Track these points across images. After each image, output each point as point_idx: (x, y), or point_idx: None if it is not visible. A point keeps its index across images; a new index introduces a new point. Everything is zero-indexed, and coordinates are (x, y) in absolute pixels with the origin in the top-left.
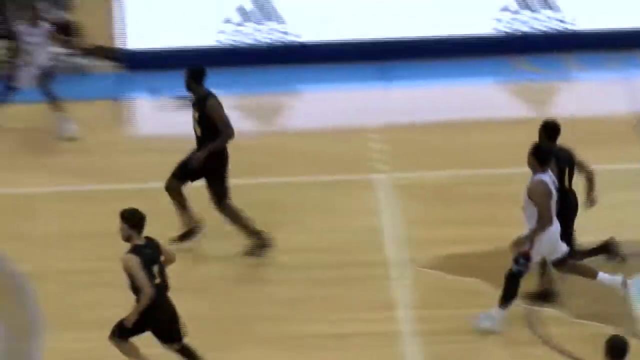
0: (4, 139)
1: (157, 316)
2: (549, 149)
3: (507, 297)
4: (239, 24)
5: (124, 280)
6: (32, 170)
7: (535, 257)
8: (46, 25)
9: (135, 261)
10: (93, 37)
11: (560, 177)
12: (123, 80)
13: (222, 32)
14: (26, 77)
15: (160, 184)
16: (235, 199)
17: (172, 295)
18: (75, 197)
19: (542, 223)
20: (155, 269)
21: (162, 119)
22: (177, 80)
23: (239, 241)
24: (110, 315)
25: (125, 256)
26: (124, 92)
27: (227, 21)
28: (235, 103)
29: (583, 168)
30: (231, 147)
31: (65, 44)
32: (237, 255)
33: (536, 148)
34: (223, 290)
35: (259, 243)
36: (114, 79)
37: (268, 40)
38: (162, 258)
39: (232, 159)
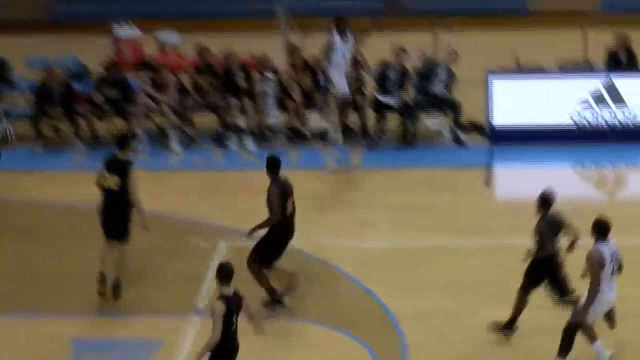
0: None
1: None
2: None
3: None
4: (590, 106)
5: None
6: (414, 227)
7: (591, 319)
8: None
9: (220, 309)
10: (468, 114)
11: None
12: (490, 152)
13: (575, 112)
14: None
15: (518, 241)
16: None
17: None
18: (449, 250)
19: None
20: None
21: (521, 185)
22: (535, 153)
23: None
24: None
25: (214, 303)
26: (491, 162)
27: (581, 102)
28: (581, 174)
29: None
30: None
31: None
32: None
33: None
34: None
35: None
36: (483, 151)
37: (615, 121)
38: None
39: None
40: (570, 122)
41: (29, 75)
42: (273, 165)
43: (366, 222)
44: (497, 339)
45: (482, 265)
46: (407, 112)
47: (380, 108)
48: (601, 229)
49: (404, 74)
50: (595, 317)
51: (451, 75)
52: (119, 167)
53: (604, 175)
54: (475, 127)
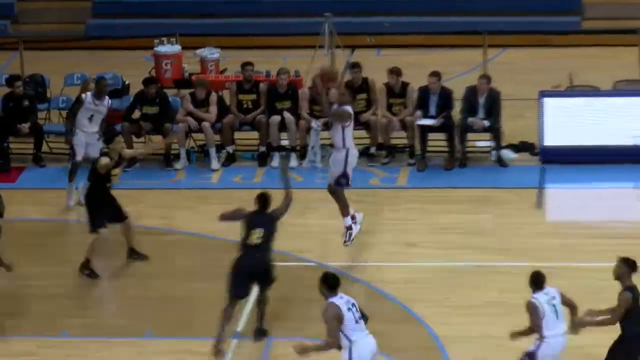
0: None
1: None
2: None
3: None
4: None
5: None
6: (460, 248)
7: None
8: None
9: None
10: (519, 133)
11: None
12: (541, 172)
13: (629, 131)
14: None
15: (567, 263)
16: None
17: None
18: (497, 271)
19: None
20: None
21: (572, 206)
22: (587, 173)
23: None
24: None
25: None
26: (542, 182)
27: (636, 121)
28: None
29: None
30: None
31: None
32: None
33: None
34: None
35: None
36: (534, 171)
37: None
38: None
39: None
40: (624, 141)
41: (66, 92)
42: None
43: (412, 243)
44: None
45: None
46: (453, 132)
47: (424, 128)
48: (329, 284)
49: (447, 94)
50: None
51: (495, 95)
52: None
53: None
54: (526, 147)
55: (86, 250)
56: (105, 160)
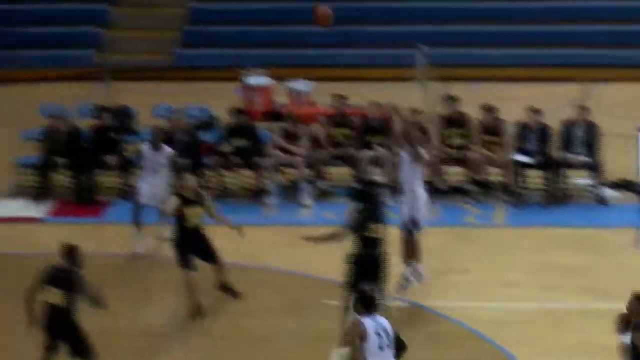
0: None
1: None
2: None
3: None
4: None
5: None
6: (559, 288)
7: None
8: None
9: (356, 328)
10: (618, 170)
11: None
12: None
13: None
14: None
15: None
16: None
17: None
18: (597, 313)
19: None
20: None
21: None
22: None
23: None
24: None
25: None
26: None
27: None
28: None
29: None
30: None
31: None
32: None
33: None
34: None
35: None
36: (633, 209)
37: None
38: None
39: None
40: None
41: (153, 123)
42: None
43: (508, 283)
44: None
45: None
46: (551, 169)
47: (521, 165)
48: (364, 302)
49: (545, 130)
50: None
51: (594, 130)
52: None
53: None
54: (625, 185)
55: (188, 297)
56: (170, 205)
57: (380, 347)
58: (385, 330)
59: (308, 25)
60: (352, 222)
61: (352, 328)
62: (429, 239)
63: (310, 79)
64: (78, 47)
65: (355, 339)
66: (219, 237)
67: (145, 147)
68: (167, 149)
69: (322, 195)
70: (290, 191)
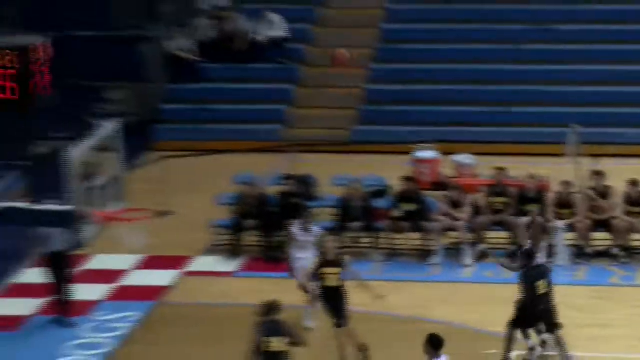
0: None
1: None
2: None
3: None
4: None
5: None
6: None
7: None
8: None
9: None
10: None
11: None
12: None
13: None
14: None
15: None
16: None
17: None
18: None
19: None
20: None
21: None
22: None
23: None
24: None
25: None
26: None
27: None
28: None
29: None
30: None
31: None
32: None
33: None
34: None
35: None
36: None
37: None
38: None
39: None
40: None
41: (333, 191)
42: None
43: None
44: None
45: None
46: None
47: None
48: (434, 344)
49: None
50: None
51: None
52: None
53: None
54: None
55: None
56: (312, 265)
57: None
58: None
59: (472, 106)
60: (521, 280)
61: None
62: (576, 297)
63: (473, 153)
64: (266, 123)
65: None
66: (390, 290)
67: (295, 228)
68: (316, 230)
69: (482, 257)
70: (453, 252)
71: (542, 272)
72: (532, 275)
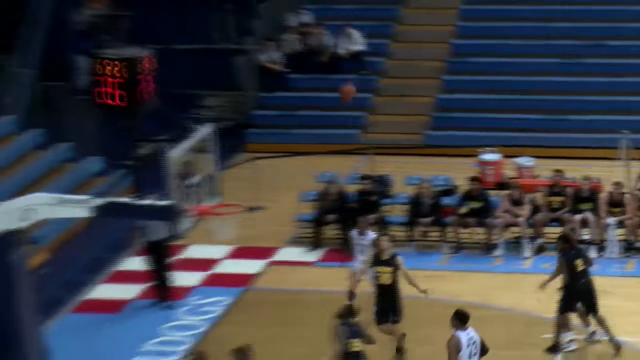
0: None
1: None
2: None
3: None
4: None
5: None
6: None
7: None
8: None
9: (454, 342)
10: None
11: None
12: None
13: None
14: None
15: None
16: None
17: None
18: None
19: None
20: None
21: None
22: None
23: None
24: None
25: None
26: None
27: None
28: None
29: None
30: None
31: None
32: None
33: None
34: None
35: None
36: None
37: None
38: None
39: None
40: None
41: (406, 190)
42: None
43: None
44: None
45: None
46: None
47: None
48: (460, 318)
49: None
50: None
51: None
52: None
53: None
54: None
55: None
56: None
57: (470, 357)
58: (474, 342)
59: (532, 114)
60: (560, 261)
61: (449, 341)
62: (626, 287)
63: (533, 156)
64: (347, 128)
65: (452, 350)
66: (456, 280)
67: (354, 233)
68: (371, 234)
69: (540, 250)
70: (514, 246)
71: (579, 252)
72: (571, 255)
